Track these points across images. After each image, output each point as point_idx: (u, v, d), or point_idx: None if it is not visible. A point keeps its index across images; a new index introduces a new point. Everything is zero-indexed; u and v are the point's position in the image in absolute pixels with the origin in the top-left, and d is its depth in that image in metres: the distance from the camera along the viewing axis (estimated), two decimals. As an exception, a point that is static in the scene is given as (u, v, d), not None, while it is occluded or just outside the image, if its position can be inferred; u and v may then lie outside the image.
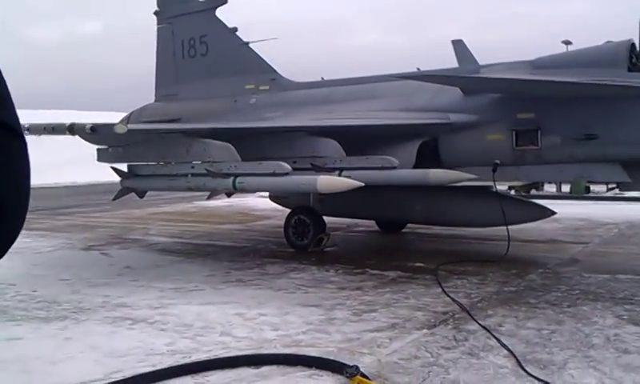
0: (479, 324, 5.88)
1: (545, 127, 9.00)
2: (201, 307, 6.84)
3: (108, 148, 10.79)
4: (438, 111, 9.88)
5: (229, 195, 13.48)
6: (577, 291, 7.31)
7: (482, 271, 8.47)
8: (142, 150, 10.50)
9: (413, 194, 10.46)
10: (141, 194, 11.44)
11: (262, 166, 9.32)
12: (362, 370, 4.45)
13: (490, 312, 6.39)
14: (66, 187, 31.67)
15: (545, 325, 5.90)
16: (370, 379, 4.38)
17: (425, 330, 5.78)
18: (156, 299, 7.27)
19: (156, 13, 14.63)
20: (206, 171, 9.62)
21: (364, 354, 5.10)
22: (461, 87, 9.85)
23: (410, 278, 8.22)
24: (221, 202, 18.64)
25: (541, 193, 18.97)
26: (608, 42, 9.25)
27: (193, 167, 9.99)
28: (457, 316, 6.27)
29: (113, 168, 11.00)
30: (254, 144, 10.02)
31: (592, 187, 18.99)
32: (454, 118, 9.62)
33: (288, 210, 11.43)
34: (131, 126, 10.26)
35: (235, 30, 13.54)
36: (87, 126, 9.05)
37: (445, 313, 6.40)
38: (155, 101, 14.58)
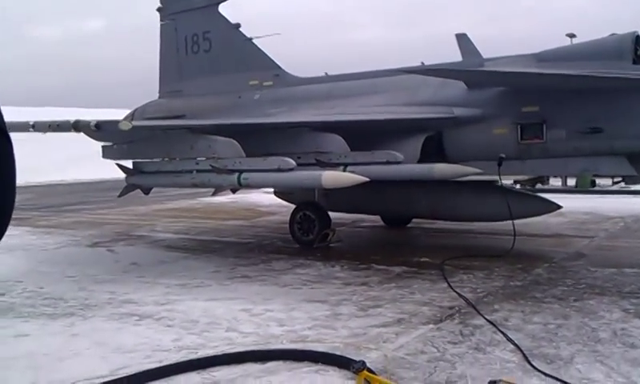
0: (485, 319, 5.87)
1: (550, 121, 8.94)
2: (207, 303, 6.86)
3: (113, 145, 10.84)
4: (443, 105, 9.84)
5: (234, 191, 13.49)
6: (583, 285, 7.30)
7: (487, 266, 8.46)
8: (147, 147, 10.53)
9: (418, 188, 10.44)
10: (146, 191, 11.48)
11: (267, 162, 9.33)
12: (368, 365, 4.45)
13: (496, 307, 6.39)
14: (71, 184, 31.76)
15: (551, 319, 5.89)
16: (376, 374, 4.38)
17: (431, 325, 5.78)
18: (162, 295, 7.30)
19: (159, 9, 14.63)
20: (210, 167, 9.63)
21: (370, 350, 5.10)
22: (465, 81, 9.80)
23: (416, 272, 8.22)
24: (225, 198, 18.66)
25: (546, 187, 18.93)
26: (613, 34, 9.19)
27: (197, 163, 10.00)
28: (463, 311, 6.26)
29: (118, 165, 11.03)
30: (258, 140, 10.01)
31: (598, 181, 18.94)
32: (458, 112, 9.58)
33: (293, 206, 11.46)
34: (136, 123, 10.26)
35: (238, 25, 13.52)
36: (92, 123, 9.06)
37: (451, 308, 6.40)
38: (159, 97, 14.59)
